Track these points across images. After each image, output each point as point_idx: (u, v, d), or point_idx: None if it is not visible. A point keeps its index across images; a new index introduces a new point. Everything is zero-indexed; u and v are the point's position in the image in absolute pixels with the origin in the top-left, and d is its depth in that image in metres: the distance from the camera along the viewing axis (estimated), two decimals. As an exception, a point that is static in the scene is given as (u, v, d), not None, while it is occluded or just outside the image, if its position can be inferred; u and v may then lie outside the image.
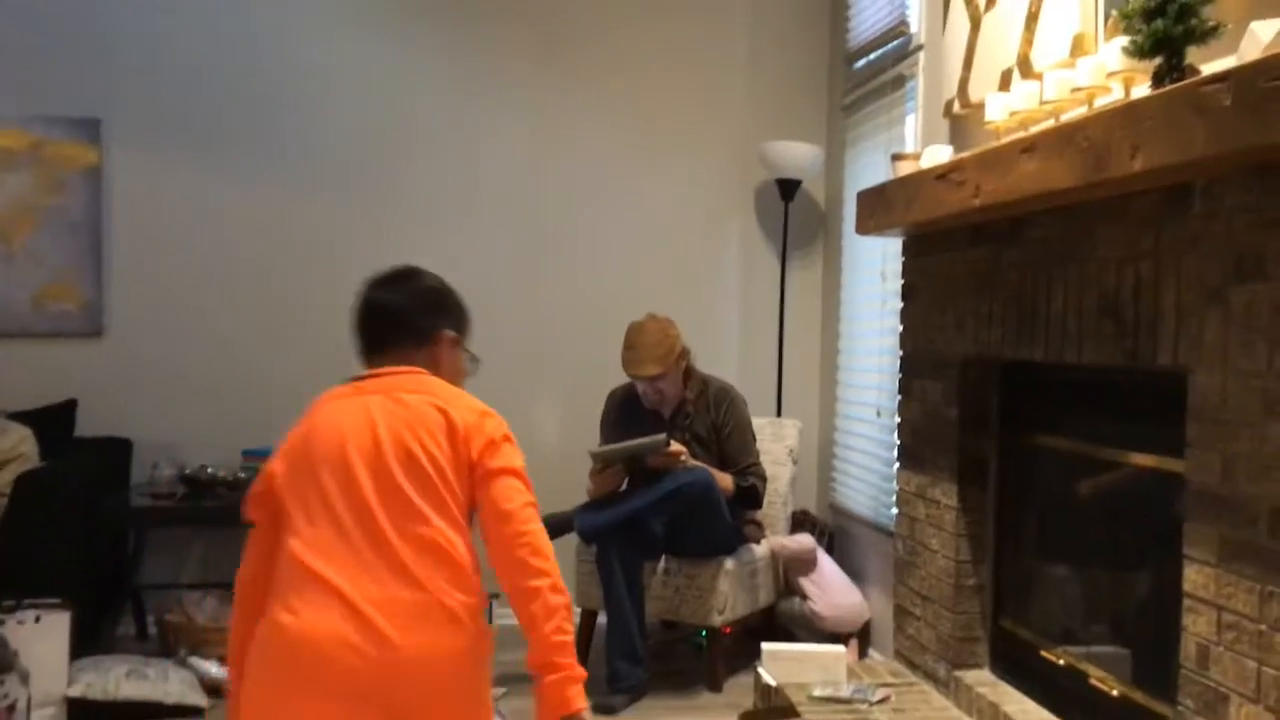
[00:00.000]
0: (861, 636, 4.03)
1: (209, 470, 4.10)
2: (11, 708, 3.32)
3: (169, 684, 3.53)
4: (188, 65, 4.44)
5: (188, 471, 4.10)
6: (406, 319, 2.09)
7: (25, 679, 3.35)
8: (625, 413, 3.85)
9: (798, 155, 4.51)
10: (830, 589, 4.02)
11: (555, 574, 1.83)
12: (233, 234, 4.49)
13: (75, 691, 3.39)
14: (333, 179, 4.54)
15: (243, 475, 4.10)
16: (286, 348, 4.50)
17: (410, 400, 1.94)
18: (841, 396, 4.56)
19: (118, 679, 3.47)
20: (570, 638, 1.81)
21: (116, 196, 4.43)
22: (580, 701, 1.77)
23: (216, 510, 4.07)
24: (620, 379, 3.94)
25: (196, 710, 3.52)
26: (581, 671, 1.80)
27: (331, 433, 1.96)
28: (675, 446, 3.63)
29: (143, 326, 4.44)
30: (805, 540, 4.07)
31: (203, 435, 4.36)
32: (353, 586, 1.76)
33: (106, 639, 4.08)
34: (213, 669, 3.70)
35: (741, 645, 3.97)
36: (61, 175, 4.38)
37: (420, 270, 2.18)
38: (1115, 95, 2.35)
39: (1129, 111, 2.07)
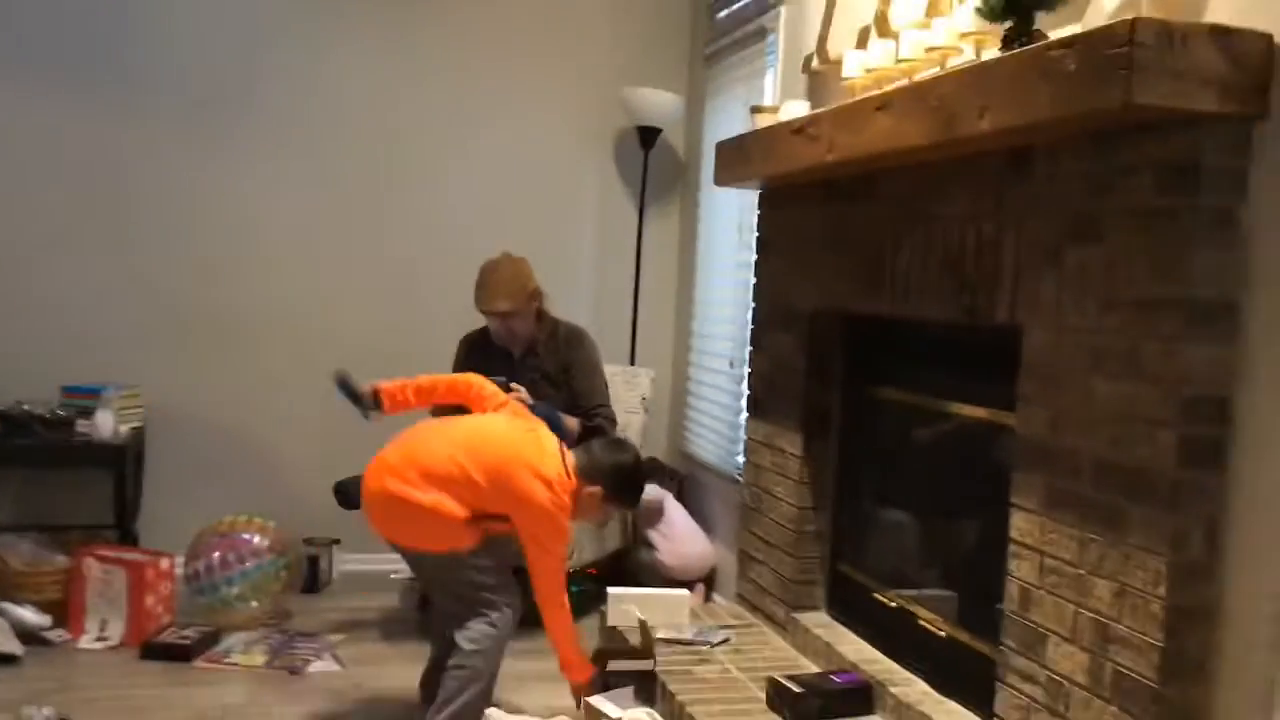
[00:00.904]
0: (707, 582, 4.11)
1: (24, 406, 3.83)
2: None
3: (-22, 631, 3.32)
4: (5, -33, 4.08)
5: (1, 408, 3.82)
6: None
7: None
8: (476, 353, 3.78)
9: (659, 103, 4.48)
10: (677, 539, 4.07)
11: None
12: (57, 157, 4.17)
13: None
14: (172, 105, 4.26)
15: (62, 413, 3.86)
16: (113, 280, 4.24)
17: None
18: (695, 346, 4.60)
19: (-81, 626, 3.24)
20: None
21: (-79, 107, 4.05)
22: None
23: (33, 449, 3.82)
24: (473, 321, 3.86)
25: (10, 657, 3.32)
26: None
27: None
28: (515, 387, 3.58)
29: (-49, 250, 4.10)
30: (652, 492, 4.10)
31: (18, 369, 4.06)
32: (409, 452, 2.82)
33: (-93, 584, 3.81)
34: (29, 615, 3.50)
35: (588, 590, 3.98)
36: None
37: None
38: (967, 56, 2.39)
39: (979, 72, 2.12)
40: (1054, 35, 2.02)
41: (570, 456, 2.85)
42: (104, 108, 4.20)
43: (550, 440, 2.87)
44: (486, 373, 3.46)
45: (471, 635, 2.77)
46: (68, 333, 4.18)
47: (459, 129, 4.55)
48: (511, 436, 2.83)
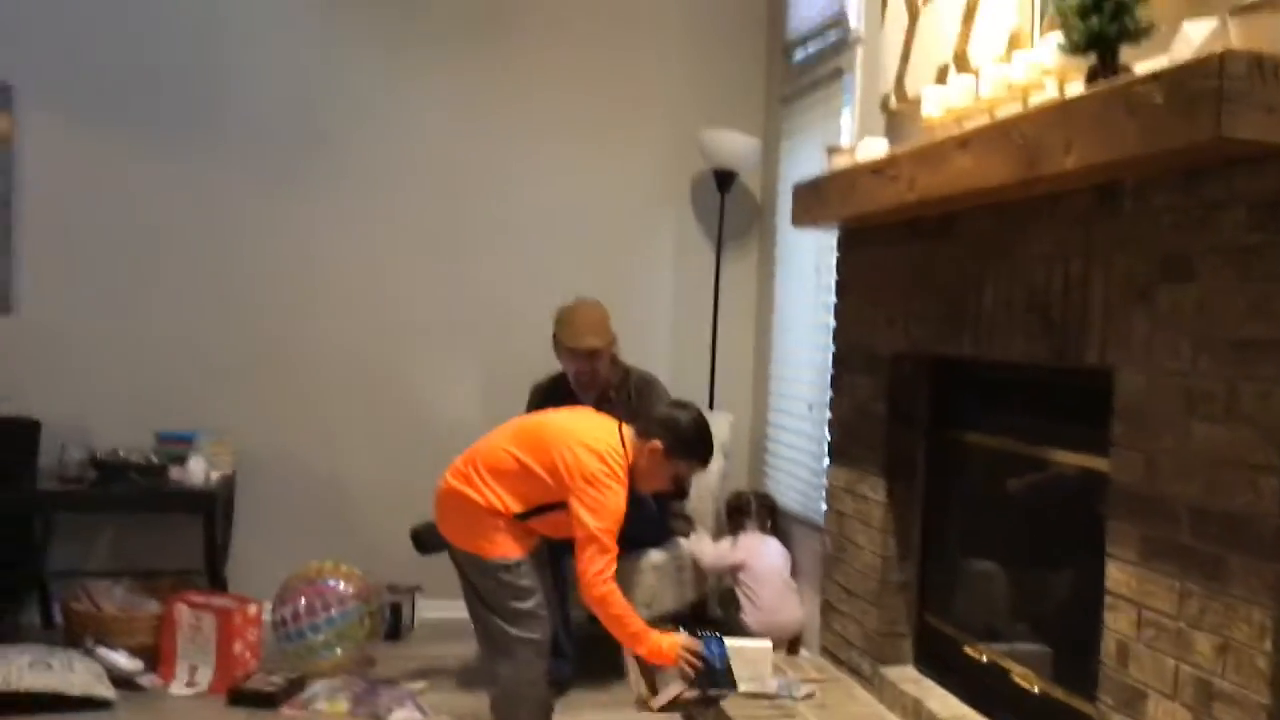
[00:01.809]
0: (795, 637, 3.97)
1: (120, 453, 3.95)
2: (-96, 699, 3.17)
3: (74, 674, 3.40)
4: (104, 33, 4.27)
5: (98, 455, 3.94)
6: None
7: (-82, 670, 3.20)
8: (548, 401, 3.79)
9: (735, 146, 4.48)
10: (763, 601, 3.82)
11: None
12: (150, 210, 4.33)
13: (-27, 683, 3.25)
14: (255, 153, 4.40)
15: (155, 459, 3.96)
16: (203, 328, 4.36)
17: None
18: (774, 390, 4.55)
19: (20, 669, 3.33)
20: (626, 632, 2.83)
21: (28, 167, 4.24)
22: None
23: (127, 496, 3.93)
24: (543, 366, 3.88)
25: (104, 702, 3.39)
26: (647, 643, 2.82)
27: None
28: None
29: (53, 303, 4.26)
30: (721, 557, 3.95)
31: (115, 417, 4.20)
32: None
33: (10, 628, 3.93)
34: (121, 660, 3.57)
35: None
36: (-30, 143, 4.18)
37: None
38: (1050, 92, 2.34)
39: (1063, 109, 2.07)
40: (1139, 69, 1.96)
41: (628, 429, 2.87)
42: (193, 159, 4.35)
43: (607, 420, 2.91)
44: None
45: (496, 680, 2.84)
46: (161, 381, 4.30)
47: (534, 171, 4.60)
48: (567, 421, 2.92)
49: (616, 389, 3.77)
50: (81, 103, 4.27)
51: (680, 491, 3.84)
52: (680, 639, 2.83)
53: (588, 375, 3.71)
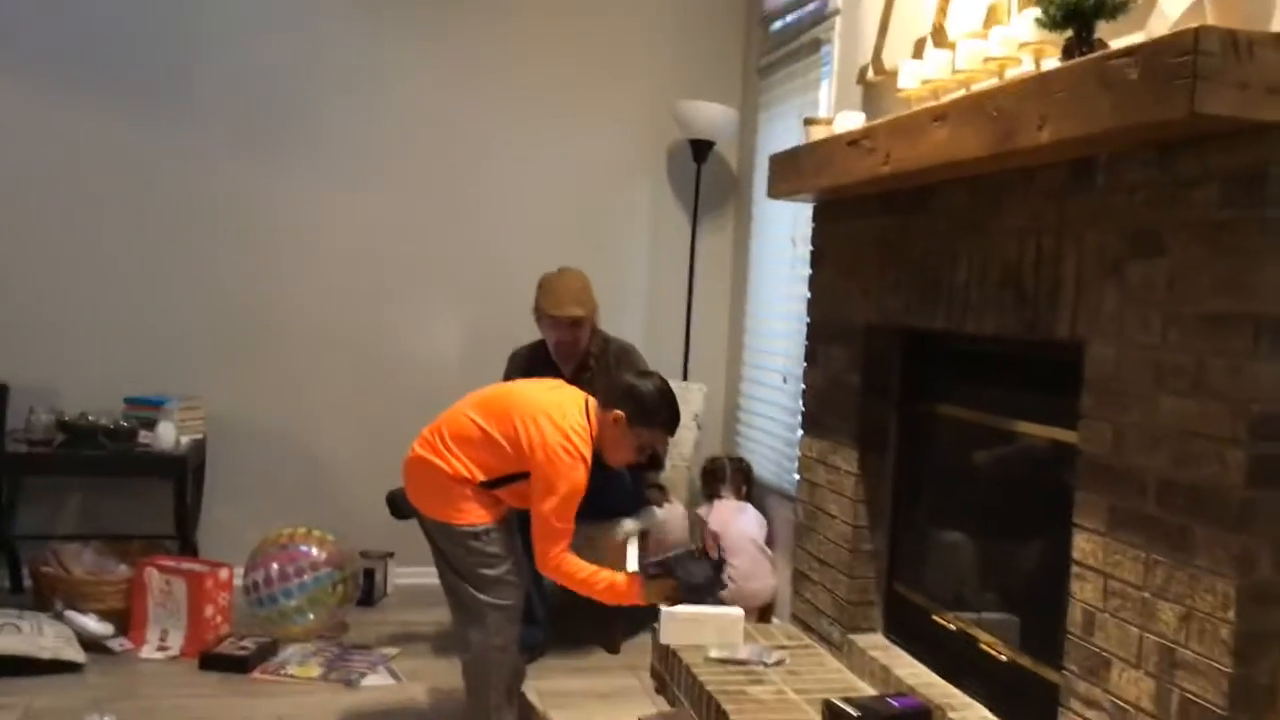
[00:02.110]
0: (766, 606, 4.03)
1: (89, 417, 3.92)
2: None
3: (44, 638, 3.39)
4: (75, -10, 4.20)
5: (66, 418, 3.91)
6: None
7: (-116, 633, 3.18)
8: (527, 371, 3.79)
9: (712, 116, 4.47)
10: (737, 569, 3.85)
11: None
12: (118, 172, 4.27)
13: (-61, 646, 3.23)
14: (226, 116, 4.34)
15: (125, 424, 3.93)
16: (172, 293, 4.32)
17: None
18: (748, 361, 4.57)
19: (-13, 634, 3.31)
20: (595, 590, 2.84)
21: (-7, 127, 4.18)
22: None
23: (96, 459, 3.90)
24: (521, 333, 3.88)
25: (74, 665, 3.39)
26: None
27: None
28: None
29: (19, 266, 4.21)
30: (701, 514, 3.98)
31: (83, 381, 4.17)
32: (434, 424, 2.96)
33: (-24, 592, 3.91)
34: (90, 623, 3.57)
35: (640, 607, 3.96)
36: (-67, 101, 4.10)
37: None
38: (1026, 67, 2.35)
39: (1038, 83, 2.08)
40: (1115, 44, 1.97)
41: (594, 402, 2.87)
42: (162, 121, 4.29)
43: (573, 393, 2.92)
44: None
45: (467, 646, 2.86)
46: (131, 345, 4.27)
47: (513, 142, 4.58)
48: (533, 392, 2.91)
49: (596, 358, 3.77)
50: (46, 64, 4.20)
51: (654, 461, 3.86)
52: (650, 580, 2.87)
53: (569, 344, 3.71)
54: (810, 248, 3.50)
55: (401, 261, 4.52)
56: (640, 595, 2.83)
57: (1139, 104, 1.79)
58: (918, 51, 2.91)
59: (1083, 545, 2.13)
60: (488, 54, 4.54)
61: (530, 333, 3.84)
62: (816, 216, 3.48)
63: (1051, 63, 2.18)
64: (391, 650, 3.74)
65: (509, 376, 3.84)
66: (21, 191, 4.20)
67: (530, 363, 3.78)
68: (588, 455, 2.75)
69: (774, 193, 3.43)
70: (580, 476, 2.74)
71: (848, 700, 2.61)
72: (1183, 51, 1.70)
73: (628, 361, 3.77)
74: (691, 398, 4.38)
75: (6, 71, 4.16)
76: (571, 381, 3.75)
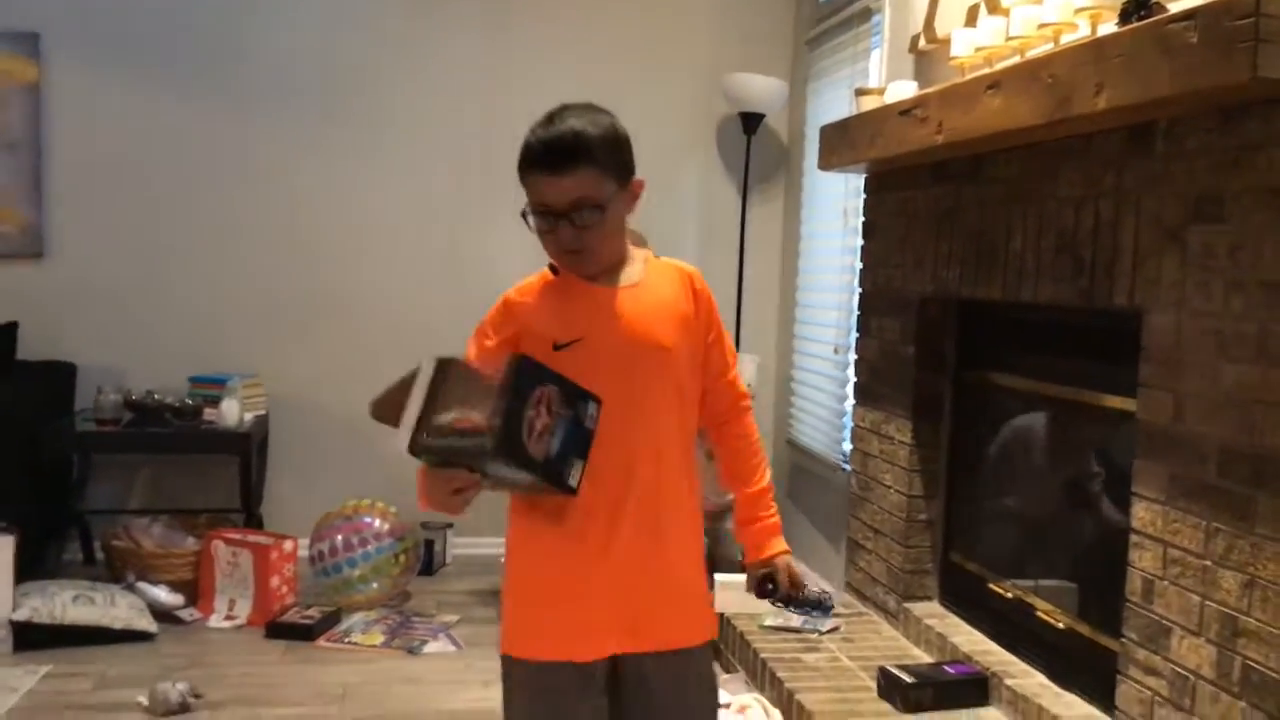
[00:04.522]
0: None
1: (155, 396, 4.02)
2: (-46, 631, 3.28)
3: (116, 609, 3.50)
4: (132, -24, 4.28)
5: (134, 397, 4.02)
6: None
7: (-32, 603, 3.31)
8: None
9: (761, 88, 4.45)
10: None
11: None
12: (178, 154, 4.36)
13: (21, 615, 3.35)
14: (285, 97, 4.41)
15: (190, 402, 4.03)
16: (234, 274, 4.41)
17: None
18: (799, 333, 4.57)
19: (64, 603, 3.43)
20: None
21: (56, 114, 4.27)
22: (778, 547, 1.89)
23: (163, 437, 4.00)
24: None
25: (145, 634, 3.50)
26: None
27: None
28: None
29: (86, 248, 4.31)
30: (721, 495, 3.96)
31: (148, 360, 4.27)
32: None
33: (53, 564, 4.04)
34: (161, 594, 3.67)
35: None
36: (-1, 90, 4.21)
37: None
38: (1082, 32, 2.33)
39: (1095, 48, 2.06)
40: (1174, 8, 1.95)
41: None
42: (223, 104, 4.37)
43: None
44: None
45: None
46: (195, 325, 4.36)
47: (566, 98, 4.58)
48: None
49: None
50: (108, 50, 4.28)
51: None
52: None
53: None
54: (862, 219, 3.49)
55: (454, 238, 4.57)
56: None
57: (1199, 68, 1.78)
58: (970, 19, 2.88)
59: (1141, 514, 2.13)
60: (537, 32, 4.56)
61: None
62: (868, 187, 3.47)
63: (1108, 27, 2.15)
64: (452, 618, 3.81)
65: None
66: (86, 178, 4.31)
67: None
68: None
69: (825, 164, 3.42)
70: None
71: (903, 667, 2.63)
72: (1244, 14, 1.67)
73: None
74: (744, 369, 4.38)
75: (69, 59, 4.25)
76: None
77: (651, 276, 1.75)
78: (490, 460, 1.46)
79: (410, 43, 4.48)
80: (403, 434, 1.51)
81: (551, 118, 1.69)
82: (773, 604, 1.87)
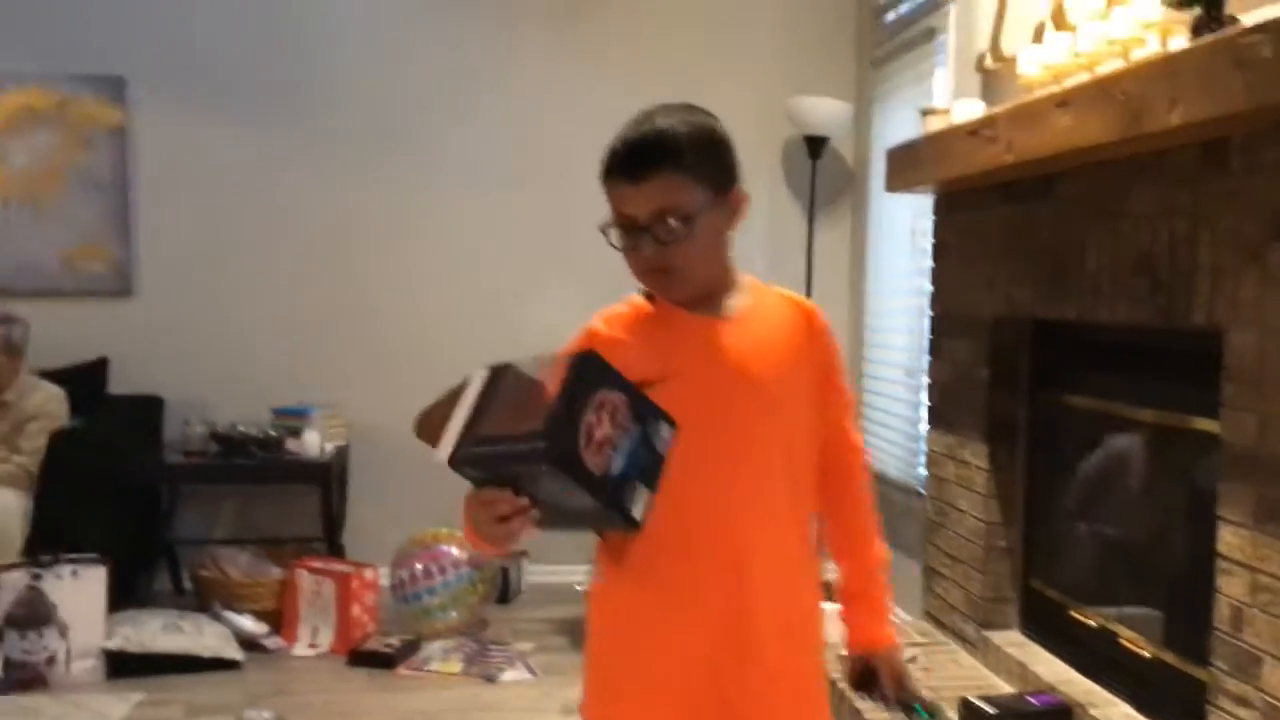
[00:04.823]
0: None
1: (239, 428, 4.13)
2: (51, 659, 3.40)
3: (204, 637, 3.59)
4: (210, 23, 4.44)
5: (219, 429, 4.13)
6: None
7: (63, 632, 3.42)
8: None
9: (826, 111, 4.45)
10: None
11: None
12: (259, 192, 4.49)
13: (113, 644, 3.46)
14: (360, 135, 4.52)
15: (273, 433, 4.13)
16: (314, 307, 4.52)
17: None
18: (869, 357, 4.53)
19: (154, 632, 3.54)
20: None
21: (142, 155, 4.44)
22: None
23: (247, 468, 4.11)
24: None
25: (232, 663, 3.58)
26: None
27: None
28: None
29: (171, 285, 4.47)
30: None
31: (233, 393, 4.39)
32: None
33: (143, 594, 4.15)
34: (247, 623, 3.76)
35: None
36: (87, 134, 4.39)
37: None
38: (1152, 47, 2.29)
39: (1166, 64, 2.03)
40: (1247, 20, 1.91)
41: None
42: (304, 149, 4.50)
43: None
44: None
45: None
46: (277, 358, 4.48)
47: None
48: None
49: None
50: (190, 93, 4.44)
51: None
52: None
53: None
54: (931, 240, 3.46)
55: (532, 263, 4.62)
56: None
57: (1274, 82, 1.74)
58: (1037, 36, 2.86)
59: (1228, 539, 2.07)
60: (598, 59, 4.61)
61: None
62: (937, 209, 3.44)
63: (1179, 42, 2.12)
64: (527, 645, 3.84)
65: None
66: (171, 218, 4.46)
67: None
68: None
69: (892, 186, 3.40)
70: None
71: (985, 698, 2.58)
72: (1320, 27, 1.64)
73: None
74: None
75: (153, 102, 4.42)
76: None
77: (761, 308, 1.51)
78: (541, 470, 1.22)
79: (480, 74, 4.56)
80: (445, 445, 1.29)
81: (639, 117, 1.50)
82: (872, 701, 1.63)
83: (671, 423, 1.30)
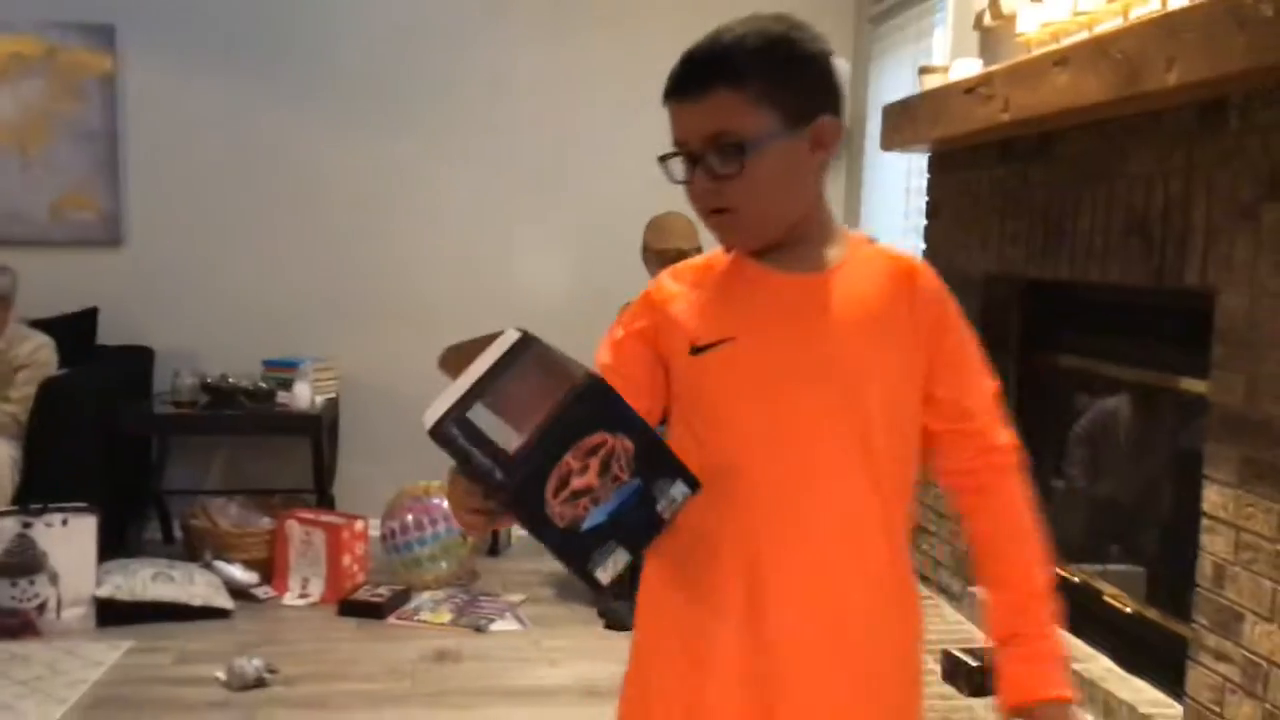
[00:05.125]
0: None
1: (230, 379, 4.12)
2: (41, 607, 3.42)
3: (195, 586, 3.61)
4: (202, -31, 4.37)
5: (209, 380, 4.12)
6: None
7: (54, 580, 3.43)
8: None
9: (823, 67, 4.41)
10: None
11: None
12: (250, 143, 4.45)
13: (104, 592, 3.48)
14: (350, 89, 4.47)
15: (264, 385, 4.13)
16: (304, 260, 4.50)
17: None
18: (861, 314, 4.54)
19: (145, 581, 3.55)
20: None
21: (132, 104, 4.39)
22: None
23: (238, 419, 4.11)
24: (638, 284, 3.93)
25: (222, 611, 3.60)
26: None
27: None
28: None
29: (162, 236, 4.43)
30: None
31: (223, 344, 4.38)
32: None
33: (133, 543, 4.16)
34: (237, 572, 3.78)
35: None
36: (76, 82, 4.33)
37: None
38: (1152, 6, 2.28)
39: (1166, 22, 2.02)
40: (1249, -21, 1.90)
41: None
42: (296, 101, 4.45)
43: None
44: None
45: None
46: (268, 310, 4.46)
47: (622, 105, 4.59)
48: None
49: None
50: (181, 41, 4.38)
51: None
52: None
53: None
54: (925, 199, 3.46)
55: (523, 228, 4.60)
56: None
57: (1275, 42, 1.73)
58: (1037, -7, 2.83)
59: (1213, 498, 2.09)
60: (600, 15, 4.56)
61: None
62: (932, 167, 3.43)
63: (1179, 2, 2.11)
64: (517, 597, 3.87)
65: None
66: (161, 167, 4.42)
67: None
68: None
69: (888, 144, 3.39)
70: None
71: (967, 650, 2.62)
72: (1322, -14, 1.63)
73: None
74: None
75: (143, 50, 4.36)
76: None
77: (853, 266, 1.23)
78: (500, 499, 1.07)
79: (481, 42, 4.51)
80: (434, 409, 1.10)
81: (719, 27, 1.27)
82: None
83: (692, 483, 1.09)
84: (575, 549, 1.06)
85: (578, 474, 1.04)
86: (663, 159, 1.23)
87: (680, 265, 1.30)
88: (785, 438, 1.16)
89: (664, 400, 1.24)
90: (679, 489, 1.08)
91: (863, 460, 1.18)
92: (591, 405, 1.05)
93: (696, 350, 1.18)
